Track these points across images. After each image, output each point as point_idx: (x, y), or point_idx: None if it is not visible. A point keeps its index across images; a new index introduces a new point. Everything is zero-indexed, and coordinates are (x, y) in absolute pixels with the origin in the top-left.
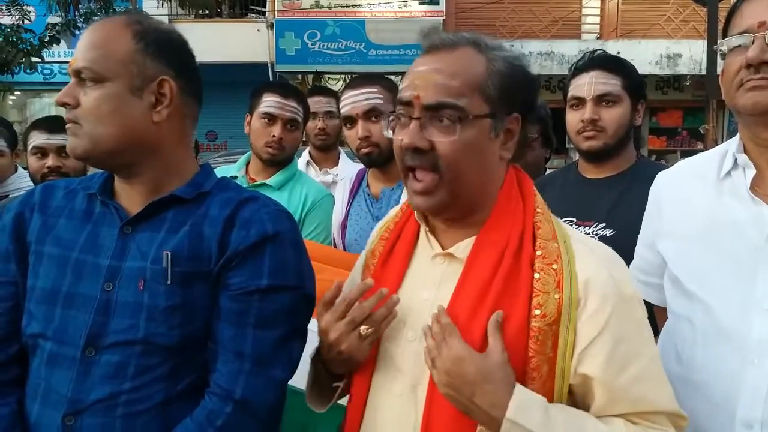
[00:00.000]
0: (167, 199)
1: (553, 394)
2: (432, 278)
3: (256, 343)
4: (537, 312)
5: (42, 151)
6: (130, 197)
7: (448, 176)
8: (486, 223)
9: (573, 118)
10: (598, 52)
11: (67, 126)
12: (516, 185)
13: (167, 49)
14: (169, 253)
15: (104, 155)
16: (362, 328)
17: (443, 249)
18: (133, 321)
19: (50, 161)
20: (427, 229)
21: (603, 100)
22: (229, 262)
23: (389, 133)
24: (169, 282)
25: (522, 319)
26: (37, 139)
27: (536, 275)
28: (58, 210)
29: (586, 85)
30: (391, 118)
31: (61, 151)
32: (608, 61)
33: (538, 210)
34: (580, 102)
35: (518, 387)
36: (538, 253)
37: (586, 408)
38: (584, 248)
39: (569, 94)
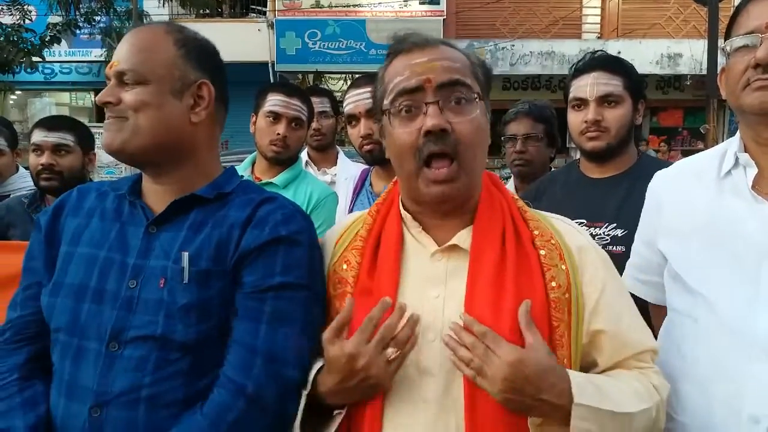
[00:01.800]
0: (188, 199)
1: (570, 358)
2: (436, 275)
3: (269, 339)
4: (553, 284)
5: (40, 149)
6: (158, 198)
7: (466, 160)
8: (477, 210)
9: (575, 119)
10: (599, 52)
11: (108, 122)
12: (485, 174)
13: (205, 57)
14: (186, 254)
15: (140, 149)
16: (389, 350)
17: (439, 245)
18: (152, 317)
19: (44, 158)
20: (420, 227)
21: (605, 100)
22: (242, 259)
23: (392, 129)
24: (185, 281)
25: (542, 294)
26: (36, 136)
27: (542, 252)
28: (91, 211)
29: (588, 86)
30: (386, 115)
31: (56, 149)
32: (609, 61)
33: (515, 197)
34: (582, 103)
35: (568, 371)
36: (536, 232)
37: (591, 362)
38: (562, 223)
39: (571, 95)
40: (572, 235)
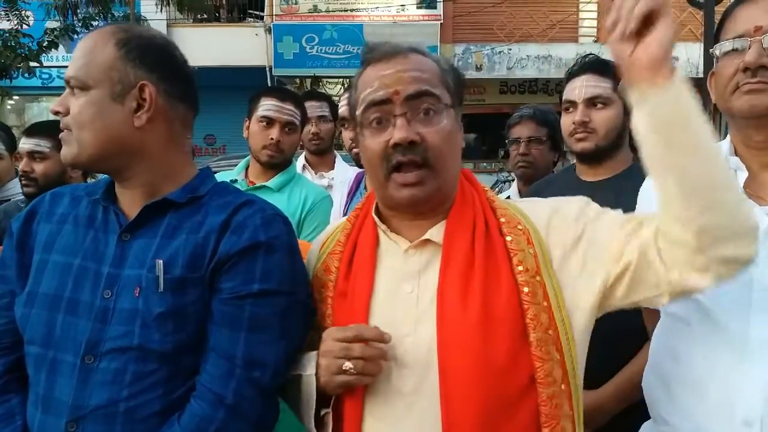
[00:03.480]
0: (161, 204)
1: (559, 341)
2: (409, 271)
3: (248, 347)
4: (520, 268)
5: (20, 155)
6: (129, 202)
7: (437, 167)
8: (453, 207)
9: (566, 121)
10: (590, 56)
11: (61, 135)
12: (461, 173)
13: (149, 54)
14: (161, 262)
15: (90, 160)
16: (347, 363)
17: (411, 242)
18: (128, 328)
19: (21, 165)
20: (389, 229)
21: (593, 102)
22: (220, 265)
23: (364, 139)
24: (161, 290)
25: (509, 277)
26: (20, 142)
27: (508, 238)
28: (64, 216)
29: (577, 88)
30: (359, 126)
31: (30, 155)
32: (599, 64)
33: (486, 189)
34: (572, 105)
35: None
36: (502, 220)
37: (653, 273)
38: (528, 204)
39: (563, 98)
40: (537, 213)
